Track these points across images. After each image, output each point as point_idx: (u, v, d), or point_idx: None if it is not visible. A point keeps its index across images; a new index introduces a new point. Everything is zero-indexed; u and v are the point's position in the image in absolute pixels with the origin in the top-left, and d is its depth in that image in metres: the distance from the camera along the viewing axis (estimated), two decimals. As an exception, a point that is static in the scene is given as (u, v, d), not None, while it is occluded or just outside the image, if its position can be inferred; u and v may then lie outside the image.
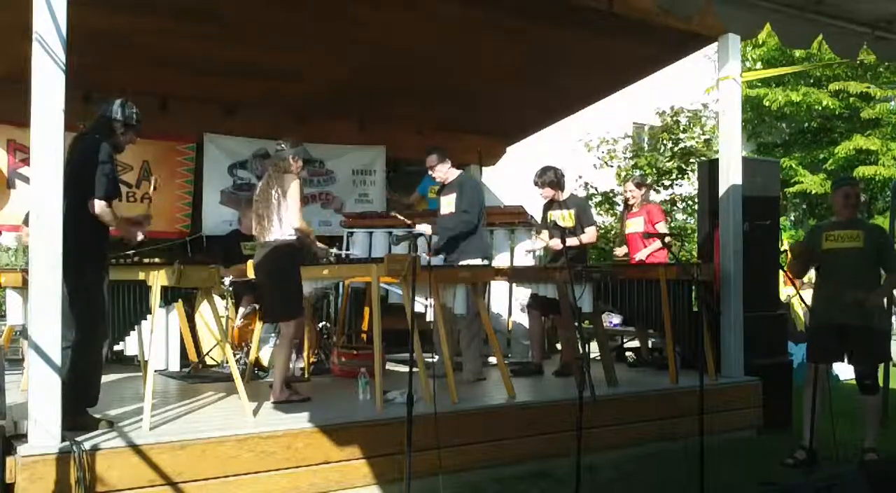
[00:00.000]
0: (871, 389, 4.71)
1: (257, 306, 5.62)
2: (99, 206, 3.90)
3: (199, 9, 5.57)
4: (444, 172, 5.74)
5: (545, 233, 6.23)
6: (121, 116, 4.12)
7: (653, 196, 8.65)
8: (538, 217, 6.63)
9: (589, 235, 6.13)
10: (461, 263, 5.41)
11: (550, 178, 6.07)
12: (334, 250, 5.70)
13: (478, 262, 5.53)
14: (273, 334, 5.83)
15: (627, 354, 7.17)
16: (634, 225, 6.69)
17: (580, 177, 11.84)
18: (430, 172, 5.82)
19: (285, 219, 4.71)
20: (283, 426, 4.04)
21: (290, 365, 5.60)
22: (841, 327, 4.65)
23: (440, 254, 5.63)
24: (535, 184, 6.16)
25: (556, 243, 6.07)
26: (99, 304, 3.98)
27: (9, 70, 5.06)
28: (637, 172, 11.42)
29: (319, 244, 5.10)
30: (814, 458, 4.72)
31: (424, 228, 5.45)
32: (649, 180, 10.46)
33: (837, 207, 4.87)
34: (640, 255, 6.56)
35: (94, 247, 3.97)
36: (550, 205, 6.25)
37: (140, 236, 4.32)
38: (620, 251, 6.99)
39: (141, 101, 4.32)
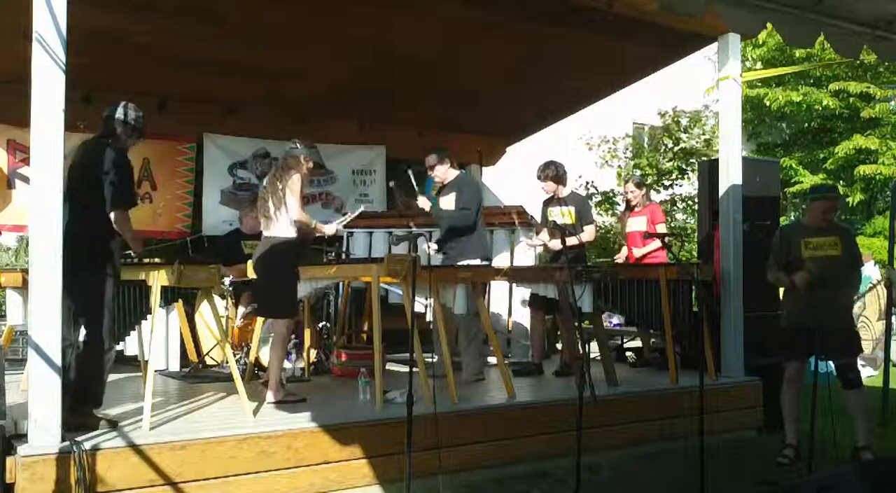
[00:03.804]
0: (852, 382, 4.73)
1: (256, 305, 5.59)
2: (114, 216, 3.93)
3: (199, 9, 5.57)
4: (443, 172, 5.75)
5: (545, 233, 6.22)
6: (125, 118, 4.11)
7: (653, 196, 8.64)
8: (538, 216, 6.62)
9: (588, 233, 6.14)
10: (461, 262, 5.40)
11: (553, 172, 6.07)
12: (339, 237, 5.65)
13: (477, 262, 5.53)
14: (272, 334, 5.83)
15: (628, 354, 7.17)
16: (637, 223, 6.67)
17: (580, 176, 11.84)
18: (429, 173, 5.83)
19: (287, 215, 4.72)
20: (283, 426, 4.04)
21: (289, 365, 5.61)
22: (811, 328, 4.57)
23: (440, 252, 5.63)
24: (538, 178, 6.15)
25: (556, 244, 6.06)
26: (107, 305, 3.97)
27: (9, 70, 5.06)
28: (637, 172, 11.42)
29: (323, 227, 5.00)
30: (798, 454, 4.77)
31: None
32: (649, 180, 10.46)
33: (814, 217, 4.88)
34: (638, 252, 6.55)
35: (102, 248, 3.96)
36: (550, 201, 6.25)
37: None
38: (620, 256, 6.98)
39: (141, 101, 4.32)
